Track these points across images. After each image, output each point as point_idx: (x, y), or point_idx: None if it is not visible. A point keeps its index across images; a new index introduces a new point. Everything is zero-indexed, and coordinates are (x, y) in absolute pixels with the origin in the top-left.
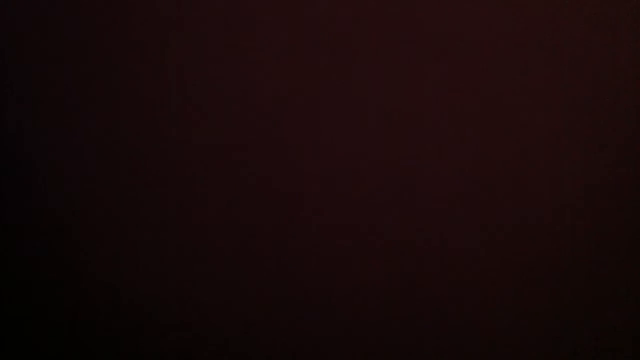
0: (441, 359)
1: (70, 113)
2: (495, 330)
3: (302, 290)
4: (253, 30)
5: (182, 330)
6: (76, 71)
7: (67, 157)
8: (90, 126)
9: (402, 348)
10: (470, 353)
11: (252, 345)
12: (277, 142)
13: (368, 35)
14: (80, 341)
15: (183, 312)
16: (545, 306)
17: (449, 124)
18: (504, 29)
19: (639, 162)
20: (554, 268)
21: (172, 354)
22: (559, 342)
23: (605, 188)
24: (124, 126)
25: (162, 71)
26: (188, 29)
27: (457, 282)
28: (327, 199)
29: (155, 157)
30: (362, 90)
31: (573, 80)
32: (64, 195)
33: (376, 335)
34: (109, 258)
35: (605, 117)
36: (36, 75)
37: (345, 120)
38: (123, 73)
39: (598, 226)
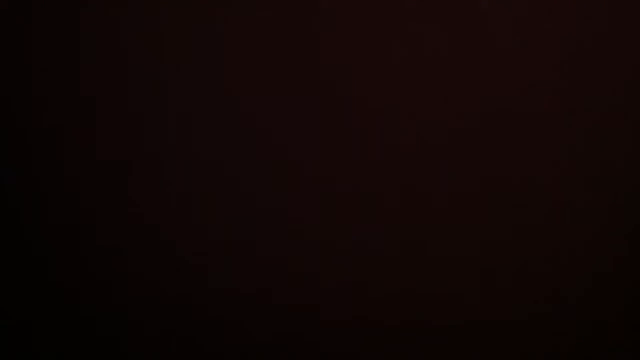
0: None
1: (71, 112)
2: (496, 330)
3: (301, 292)
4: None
5: (182, 329)
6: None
7: (70, 156)
8: (91, 126)
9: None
10: (470, 353)
11: (251, 348)
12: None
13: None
14: (80, 341)
15: (183, 311)
16: (545, 306)
17: (448, 124)
18: (504, 30)
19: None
20: (554, 268)
21: (171, 354)
22: (558, 342)
23: (605, 187)
24: (125, 127)
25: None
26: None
27: (457, 282)
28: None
29: (156, 157)
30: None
31: (573, 79)
32: (64, 195)
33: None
34: (108, 257)
35: (605, 115)
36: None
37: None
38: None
39: (598, 226)
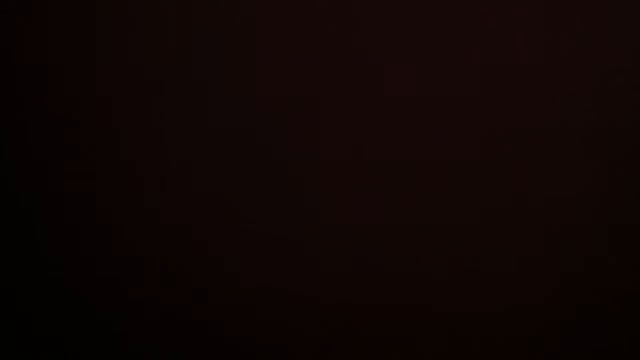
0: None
1: (70, 112)
2: (496, 329)
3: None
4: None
5: (182, 329)
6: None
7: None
8: (90, 125)
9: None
10: (470, 354)
11: (252, 346)
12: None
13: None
14: (80, 340)
15: (182, 310)
16: (544, 306)
17: (448, 122)
18: (504, 28)
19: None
20: (553, 267)
21: (171, 353)
22: (556, 341)
23: (605, 187)
24: (125, 127)
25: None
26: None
27: (456, 281)
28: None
29: (155, 157)
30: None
31: (573, 78)
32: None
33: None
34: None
35: (605, 115)
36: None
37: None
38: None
39: (598, 225)
